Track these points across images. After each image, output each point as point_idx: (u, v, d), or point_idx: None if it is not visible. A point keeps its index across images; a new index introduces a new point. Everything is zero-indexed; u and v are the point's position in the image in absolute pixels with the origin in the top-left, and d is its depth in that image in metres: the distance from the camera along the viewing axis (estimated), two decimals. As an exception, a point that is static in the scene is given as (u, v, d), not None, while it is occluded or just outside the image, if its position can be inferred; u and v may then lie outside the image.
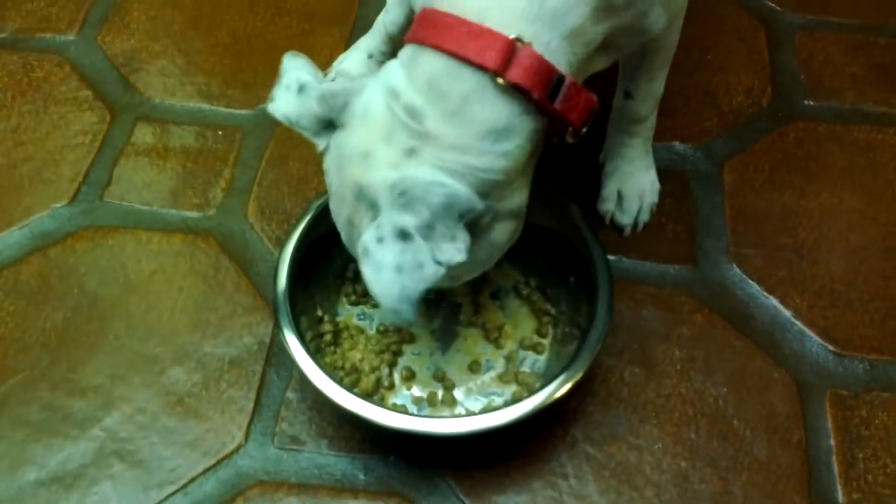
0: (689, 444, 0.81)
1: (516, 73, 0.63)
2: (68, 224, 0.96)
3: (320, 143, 0.70)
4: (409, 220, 0.62)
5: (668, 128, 1.02)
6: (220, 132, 1.04)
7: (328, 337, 0.84)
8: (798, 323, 0.89)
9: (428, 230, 0.62)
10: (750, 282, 0.91)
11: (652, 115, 0.89)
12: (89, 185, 0.99)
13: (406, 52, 0.67)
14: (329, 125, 0.69)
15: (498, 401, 0.81)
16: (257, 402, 0.84)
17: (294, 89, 0.69)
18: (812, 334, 0.88)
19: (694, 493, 0.79)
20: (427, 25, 0.65)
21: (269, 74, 0.76)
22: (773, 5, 1.17)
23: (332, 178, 0.70)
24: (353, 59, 1.04)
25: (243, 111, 1.06)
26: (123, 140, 1.04)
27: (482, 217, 0.66)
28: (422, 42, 0.65)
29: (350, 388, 0.75)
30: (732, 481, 0.80)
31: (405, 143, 0.64)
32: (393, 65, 0.67)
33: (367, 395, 0.80)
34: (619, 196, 0.93)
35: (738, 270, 0.92)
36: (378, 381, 0.82)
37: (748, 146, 1.03)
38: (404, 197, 0.63)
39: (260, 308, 0.89)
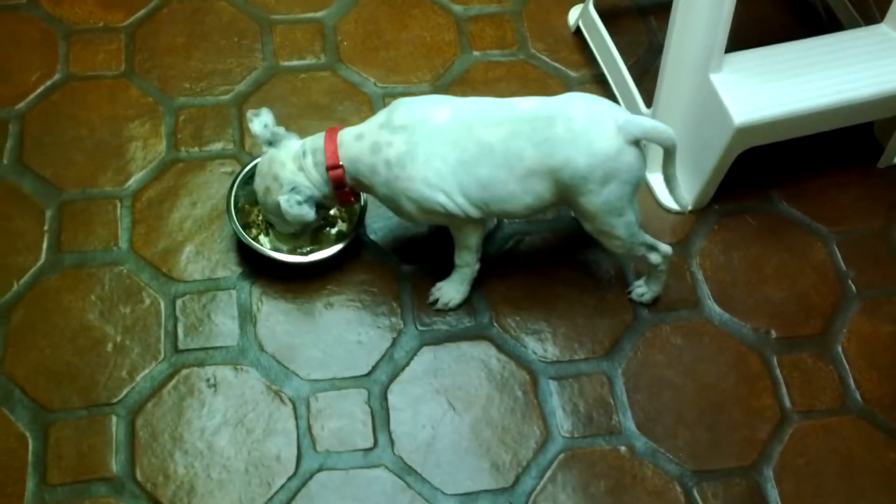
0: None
1: (332, 175, 1.55)
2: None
3: (264, 149, 1.59)
4: (298, 197, 1.54)
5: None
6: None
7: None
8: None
9: (301, 202, 1.54)
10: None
11: (463, 269, 1.66)
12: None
13: (319, 136, 1.57)
14: (270, 143, 1.58)
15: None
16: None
17: (262, 125, 1.57)
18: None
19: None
20: (331, 137, 1.55)
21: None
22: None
23: (263, 167, 1.59)
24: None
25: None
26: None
27: (321, 205, 1.59)
28: (325, 144, 1.54)
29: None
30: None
31: (298, 166, 1.55)
32: (310, 141, 1.58)
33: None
34: (439, 289, 1.69)
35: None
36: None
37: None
38: (294, 188, 1.55)
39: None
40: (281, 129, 1.59)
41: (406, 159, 1.50)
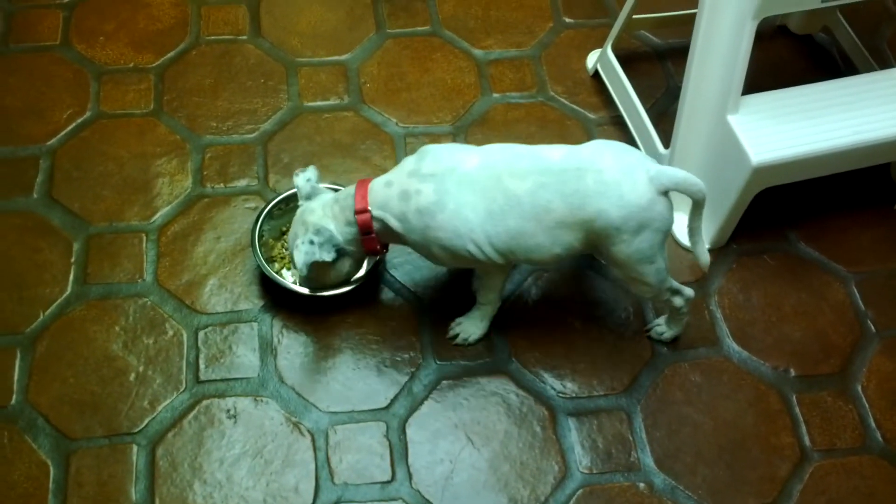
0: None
1: (360, 220, 1.56)
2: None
3: (302, 202, 1.63)
4: (316, 238, 1.56)
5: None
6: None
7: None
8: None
9: (321, 243, 1.56)
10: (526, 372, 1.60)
11: (484, 306, 1.69)
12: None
13: (349, 190, 1.59)
14: (308, 198, 1.62)
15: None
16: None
17: (306, 179, 1.63)
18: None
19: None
20: (361, 184, 1.58)
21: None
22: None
23: (297, 216, 1.62)
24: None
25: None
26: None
27: (345, 251, 1.59)
28: (355, 191, 1.57)
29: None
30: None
31: (328, 213, 1.58)
32: (342, 191, 1.61)
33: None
34: (459, 324, 1.72)
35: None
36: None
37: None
38: (317, 231, 1.56)
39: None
40: (321, 186, 1.64)
41: (436, 209, 1.51)
